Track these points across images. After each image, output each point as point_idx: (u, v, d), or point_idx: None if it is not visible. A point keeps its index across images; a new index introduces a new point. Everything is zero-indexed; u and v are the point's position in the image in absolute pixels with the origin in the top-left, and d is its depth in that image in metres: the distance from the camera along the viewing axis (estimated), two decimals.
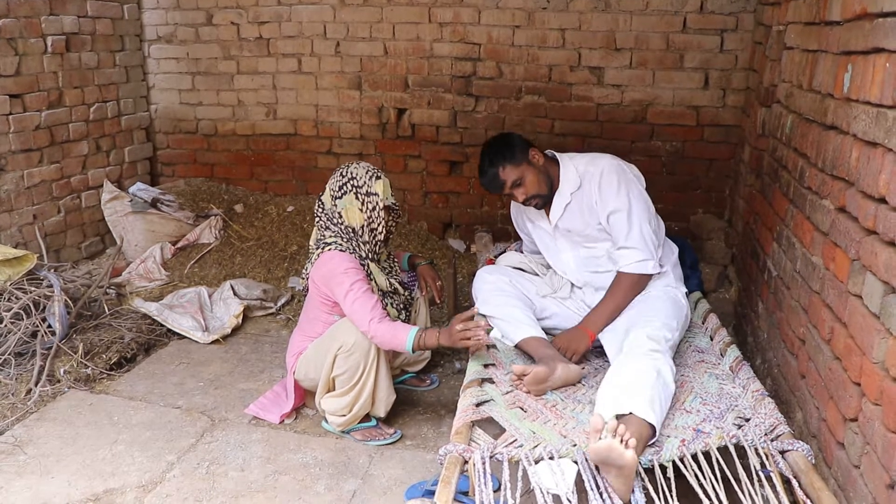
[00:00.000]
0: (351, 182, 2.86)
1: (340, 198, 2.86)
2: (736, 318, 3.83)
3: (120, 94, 4.99)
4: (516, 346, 2.74)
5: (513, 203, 3.12)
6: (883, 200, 1.86)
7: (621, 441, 1.85)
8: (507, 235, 4.73)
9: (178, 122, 5.36)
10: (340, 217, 2.86)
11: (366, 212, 2.86)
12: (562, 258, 2.99)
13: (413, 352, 2.67)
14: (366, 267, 2.85)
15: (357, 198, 2.85)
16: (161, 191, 5.03)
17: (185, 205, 4.97)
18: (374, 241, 2.92)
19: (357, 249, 2.85)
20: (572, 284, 3.01)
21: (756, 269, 3.39)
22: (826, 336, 2.26)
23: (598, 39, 4.47)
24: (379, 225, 2.88)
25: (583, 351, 2.70)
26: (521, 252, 3.38)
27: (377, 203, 2.86)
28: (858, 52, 2.13)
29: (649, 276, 2.79)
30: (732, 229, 4.33)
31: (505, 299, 2.85)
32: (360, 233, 2.88)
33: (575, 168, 2.86)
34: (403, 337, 2.64)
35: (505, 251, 3.64)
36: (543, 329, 2.82)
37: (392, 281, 3.01)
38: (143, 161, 5.29)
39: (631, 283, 2.75)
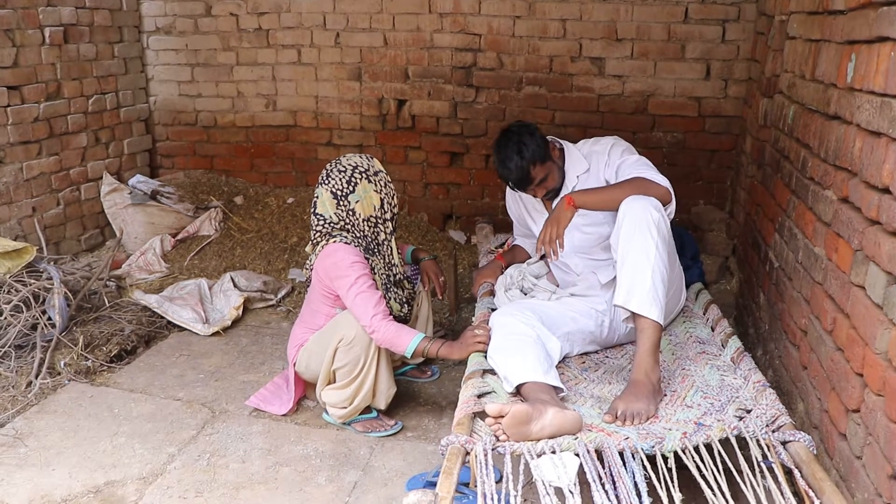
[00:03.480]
0: (357, 170, 2.85)
1: (353, 191, 2.83)
2: (737, 310, 3.82)
3: (119, 86, 4.97)
4: (516, 394, 2.36)
5: (509, 192, 3.12)
6: (886, 190, 1.85)
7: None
8: (507, 227, 4.69)
9: (178, 113, 5.34)
10: (354, 214, 2.84)
11: (381, 191, 2.90)
12: None
13: (410, 357, 2.70)
14: (369, 261, 2.84)
15: (370, 181, 2.86)
16: (161, 183, 5.02)
17: (185, 197, 4.96)
18: (392, 217, 2.96)
19: (361, 243, 2.84)
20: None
21: (757, 260, 3.39)
22: (828, 327, 2.25)
23: (599, 30, 4.46)
24: (393, 197, 2.96)
25: (564, 220, 2.55)
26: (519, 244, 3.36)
27: (385, 177, 2.93)
28: (862, 42, 2.11)
29: (662, 193, 2.52)
30: (734, 220, 4.32)
31: (517, 344, 2.45)
32: (378, 217, 2.89)
33: (579, 151, 2.86)
34: (406, 341, 2.65)
35: (504, 244, 3.64)
36: (574, 340, 2.70)
37: (397, 271, 3.00)
38: (142, 153, 5.28)
39: (636, 181, 2.55)
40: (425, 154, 4.96)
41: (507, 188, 3.12)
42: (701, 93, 4.45)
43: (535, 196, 2.88)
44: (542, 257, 3.24)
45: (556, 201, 2.81)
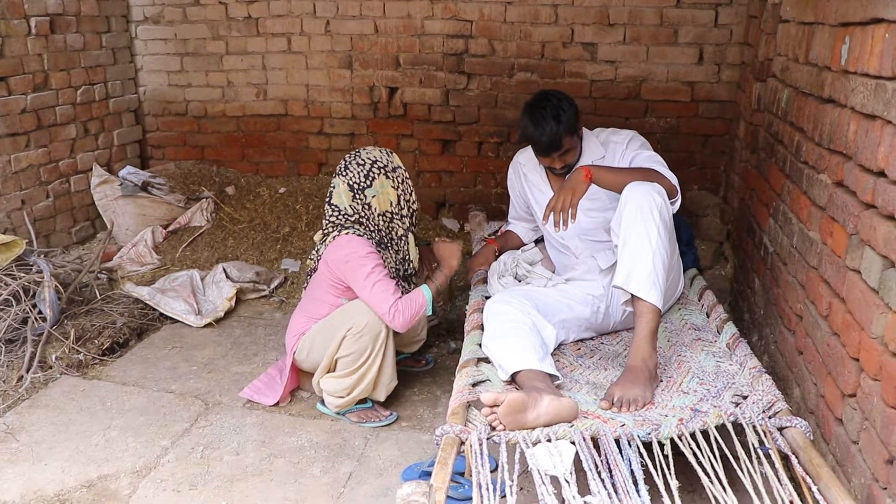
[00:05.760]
0: (375, 165, 2.84)
1: (370, 186, 2.81)
2: (732, 295, 3.81)
3: (107, 77, 4.92)
4: (511, 382, 2.35)
5: (513, 168, 3.10)
6: (882, 174, 1.83)
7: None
8: (501, 214, 4.69)
9: (168, 104, 5.29)
10: (369, 208, 2.82)
11: (398, 187, 2.88)
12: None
13: (434, 307, 2.81)
14: (381, 254, 2.82)
15: (388, 177, 2.85)
16: (151, 174, 4.98)
17: (176, 188, 4.92)
18: (410, 213, 2.94)
19: (374, 236, 2.82)
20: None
21: (752, 246, 3.37)
22: (824, 311, 2.24)
23: (591, 15, 4.42)
24: (411, 193, 2.95)
25: (580, 190, 2.50)
26: (514, 232, 3.34)
27: (403, 173, 2.92)
28: (856, 24, 2.09)
29: (670, 187, 2.54)
30: (728, 205, 4.30)
31: (512, 332, 2.43)
32: (394, 213, 2.87)
33: (597, 138, 2.86)
34: (422, 301, 2.75)
35: (497, 231, 3.62)
36: (569, 327, 2.69)
37: (409, 267, 2.98)
38: (132, 144, 5.23)
39: (649, 171, 2.58)
40: (417, 142, 4.93)
41: (512, 164, 3.12)
42: (694, 77, 4.43)
43: (551, 166, 2.78)
44: (538, 242, 3.22)
45: (567, 176, 2.79)
